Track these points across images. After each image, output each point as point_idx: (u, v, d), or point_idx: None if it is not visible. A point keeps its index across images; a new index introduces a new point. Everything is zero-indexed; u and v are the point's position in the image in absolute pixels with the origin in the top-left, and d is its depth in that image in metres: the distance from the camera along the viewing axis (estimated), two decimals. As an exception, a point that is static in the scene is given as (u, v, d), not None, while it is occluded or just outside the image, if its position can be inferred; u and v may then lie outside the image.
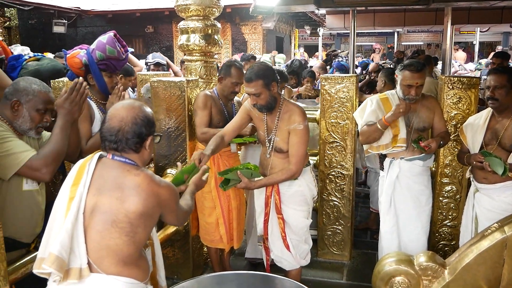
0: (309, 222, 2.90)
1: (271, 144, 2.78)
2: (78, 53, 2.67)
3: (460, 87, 3.26)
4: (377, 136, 2.98)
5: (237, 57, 6.60)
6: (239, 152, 3.49)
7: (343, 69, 6.25)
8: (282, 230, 2.82)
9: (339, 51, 8.21)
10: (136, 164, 1.76)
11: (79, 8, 11.26)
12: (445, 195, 3.45)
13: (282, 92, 4.77)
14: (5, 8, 9.88)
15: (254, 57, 6.18)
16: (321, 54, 14.11)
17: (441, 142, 2.96)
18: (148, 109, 1.81)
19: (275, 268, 3.02)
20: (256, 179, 2.76)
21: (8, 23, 10.42)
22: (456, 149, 3.34)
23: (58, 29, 10.53)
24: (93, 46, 2.67)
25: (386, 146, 3.01)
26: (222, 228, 3.21)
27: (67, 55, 2.69)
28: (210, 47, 3.51)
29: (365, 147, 3.19)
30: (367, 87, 5.70)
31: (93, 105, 2.65)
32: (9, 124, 2.11)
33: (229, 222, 3.23)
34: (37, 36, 11.67)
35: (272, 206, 2.84)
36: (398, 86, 2.99)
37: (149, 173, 1.77)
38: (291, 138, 2.67)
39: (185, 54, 3.68)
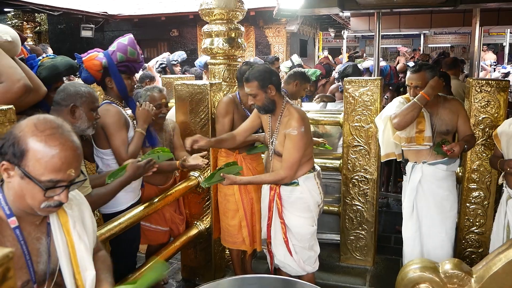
0: (313, 230, 2.85)
1: (272, 147, 2.80)
2: (96, 56, 2.66)
3: (488, 90, 3.18)
4: (415, 114, 2.86)
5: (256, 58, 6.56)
6: (262, 155, 3.49)
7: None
8: (284, 235, 2.81)
9: (360, 52, 8.09)
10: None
11: (106, 12, 11.50)
12: (472, 201, 3.37)
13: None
14: (36, 14, 10.16)
15: (277, 59, 6.18)
16: (345, 56, 14.00)
17: (465, 146, 2.90)
18: (26, 134, 1.27)
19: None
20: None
21: (38, 28, 10.71)
22: (484, 154, 3.26)
23: (86, 33, 10.78)
24: (112, 48, 2.67)
25: (411, 140, 2.96)
26: (245, 231, 3.22)
27: (83, 58, 2.68)
28: (233, 51, 3.52)
29: (382, 151, 3.15)
30: (395, 91, 5.59)
31: (121, 110, 2.71)
32: None
33: (252, 224, 3.24)
34: (66, 41, 11.96)
35: (275, 211, 2.83)
36: None
37: None
38: (285, 142, 2.66)
39: (209, 57, 3.71)
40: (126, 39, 2.67)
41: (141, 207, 2.67)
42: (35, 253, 1.38)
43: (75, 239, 1.46)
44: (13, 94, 2.00)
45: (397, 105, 3.04)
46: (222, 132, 3.13)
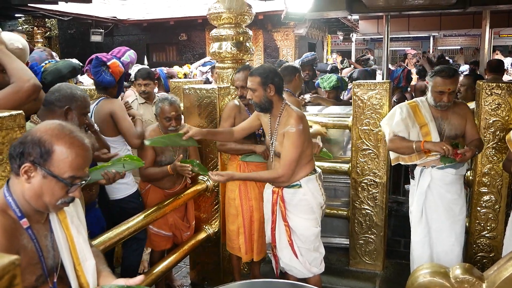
0: (317, 231, 2.84)
1: (273, 149, 2.80)
2: (118, 63, 3.06)
3: (499, 93, 3.15)
4: (407, 153, 2.93)
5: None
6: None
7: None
8: (288, 238, 2.80)
9: (368, 55, 8.02)
10: (9, 201, 1.39)
11: (115, 17, 11.60)
12: (483, 205, 3.33)
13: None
14: (46, 19, 10.27)
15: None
16: (353, 59, 13.97)
17: (477, 152, 2.86)
18: (51, 137, 1.37)
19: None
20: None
21: (48, 33, 10.84)
22: (495, 157, 3.22)
23: (96, 38, 10.89)
24: (126, 59, 3.16)
25: (420, 156, 2.93)
26: (242, 238, 3.19)
27: (108, 63, 3.02)
28: (241, 54, 3.52)
29: (392, 155, 3.12)
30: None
31: None
32: None
33: (250, 233, 3.19)
34: (76, 45, 12.07)
35: (278, 214, 2.82)
36: (428, 93, 2.93)
37: None
38: (284, 141, 2.67)
39: (217, 61, 3.72)
40: (133, 53, 3.28)
41: (149, 211, 2.68)
42: (44, 250, 1.46)
43: (73, 233, 1.55)
44: (24, 93, 2.06)
45: (397, 120, 2.96)
46: None
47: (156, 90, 4.87)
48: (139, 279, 1.52)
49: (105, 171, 2.36)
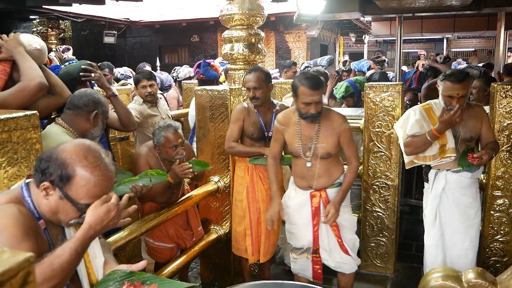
0: (355, 218, 3.02)
1: (313, 153, 2.75)
2: (216, 63, 4.68)
3: (513, 95, 3.10)
4: (426, 148, 2.88)
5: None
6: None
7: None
8: (338, 237, 2.83)
9: (383, 57, 7.94)
10: (28, 201, 1.41)
11: (128, 19, 11.69)
12: (497, 208, 3.28)
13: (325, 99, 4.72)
14: (60, 21, 10.40)
15: (294, 64, 6.10)
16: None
17: (493, 155, 2.82)
18: (74, 161, 1.36)
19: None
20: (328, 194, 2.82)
21: (62, 34, 10.98)
22: (509, 161, 3.17)
23: (109, 39, 11.00)
24: (218, 60, 4.83)
25: (434, 157, 2.89)
26: (249, 239, 3.17)
27: (212, 63, 4.62)
28: (253, 56, 3.53)
29: (406, 159, 3.08)
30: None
31: None
32: (76, 135, 2.32)
33: (257, 235, 3.16)
34: (89, 47, 12.20)
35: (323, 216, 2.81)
36: (440, 96, 2.90)
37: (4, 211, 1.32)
38: (343, 139, 2.76)
39: (229, 63, 3.73)
40: (220, 58, 4.83)
41: (150, 216, 2.70)
42: None
43: None
44: (30, 91, 2.14)
45: (412, 123, 2.93)
46: (230, 138, 3.12)
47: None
48: (142, 264, 1.53)
49: (133, 184, 2.49)
